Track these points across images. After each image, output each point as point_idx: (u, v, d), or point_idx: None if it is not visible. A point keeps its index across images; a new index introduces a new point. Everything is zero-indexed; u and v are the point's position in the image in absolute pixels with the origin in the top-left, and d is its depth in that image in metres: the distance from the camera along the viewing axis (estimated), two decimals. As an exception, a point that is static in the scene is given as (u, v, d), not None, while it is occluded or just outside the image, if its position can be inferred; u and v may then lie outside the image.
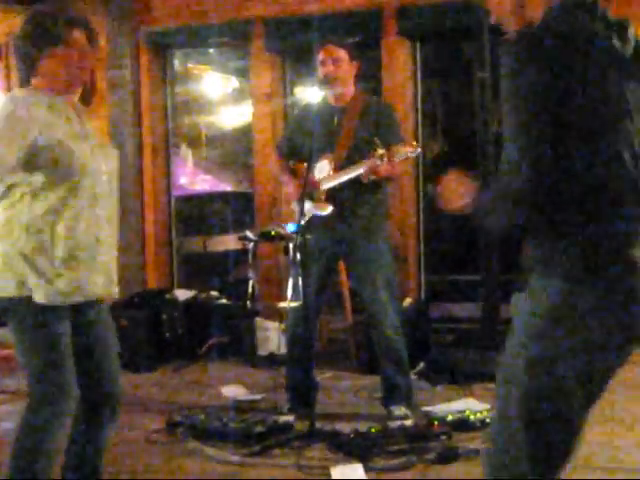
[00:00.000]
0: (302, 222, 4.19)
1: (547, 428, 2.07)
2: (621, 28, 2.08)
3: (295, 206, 4.44)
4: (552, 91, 1.94)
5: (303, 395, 4.39)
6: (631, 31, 2.09)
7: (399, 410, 4.39)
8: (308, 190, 4.23)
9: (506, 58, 1.99)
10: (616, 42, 2.04)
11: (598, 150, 1.99)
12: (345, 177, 4.33)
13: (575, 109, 1.96)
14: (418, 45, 6.31)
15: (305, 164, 4.29)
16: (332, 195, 4.38)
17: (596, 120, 1.99)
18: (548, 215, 2.00)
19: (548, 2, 2.08)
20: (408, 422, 4.21)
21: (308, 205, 4.36)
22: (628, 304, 2.02)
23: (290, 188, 4.60)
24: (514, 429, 2.09)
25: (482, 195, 2.11)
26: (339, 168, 4.38)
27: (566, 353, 2.03)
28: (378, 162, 4.14)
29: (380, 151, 4.12)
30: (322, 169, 4.43)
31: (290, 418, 4.30)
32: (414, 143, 4.42)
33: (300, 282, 4.19)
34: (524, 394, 2.07)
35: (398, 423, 4.16)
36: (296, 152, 4.62)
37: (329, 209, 4.36)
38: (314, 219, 4.39)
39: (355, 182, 4.30)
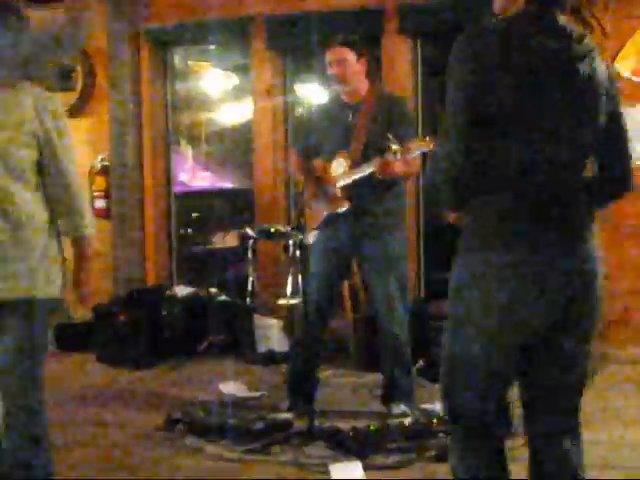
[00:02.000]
0: (302, 221, 4.17)
1: (457, 396, 2.29)
2: (577, 44, 2.13)
3: (315, 206, 4.41)
4: (468, 92, 2.08)
5: (304, 393, 4.38)
6: (590, 52, 2.15)
7: (398, 408, 4.38)
8: (322, 187, 4.18)
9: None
10: (562, 55, 2.11)
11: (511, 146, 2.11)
12: (359, 174, 4.27)
13: (490, 108, 2.08)
14: (419, 43, 6.29)
15: (321, 161, 4.26)
16: (348, 192, 4.35)
17: (516, 119, 2.09)
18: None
19: None
20: (407, 420, 4.21)
21: (323, 203, 4.35)
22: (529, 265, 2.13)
23: (309, 189, 4.53)
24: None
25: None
26: (355, 165, 4.32)
27: (474, 316, 2.17)
28: (391, 158, 4.06)
29: (394, 147, 4.02)
30: (339, 166, 4.39)
31: (289, 415, 4.31)
32: (427, 139, 4.32)
33: (300, 281, 4.17)
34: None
35: (397, 421, 4.16)
36: (313, 151, 4.58)
37: (345, 206, 4.34)
38: (328, 216, 4.37)
39: (370, 179, 4.25)
